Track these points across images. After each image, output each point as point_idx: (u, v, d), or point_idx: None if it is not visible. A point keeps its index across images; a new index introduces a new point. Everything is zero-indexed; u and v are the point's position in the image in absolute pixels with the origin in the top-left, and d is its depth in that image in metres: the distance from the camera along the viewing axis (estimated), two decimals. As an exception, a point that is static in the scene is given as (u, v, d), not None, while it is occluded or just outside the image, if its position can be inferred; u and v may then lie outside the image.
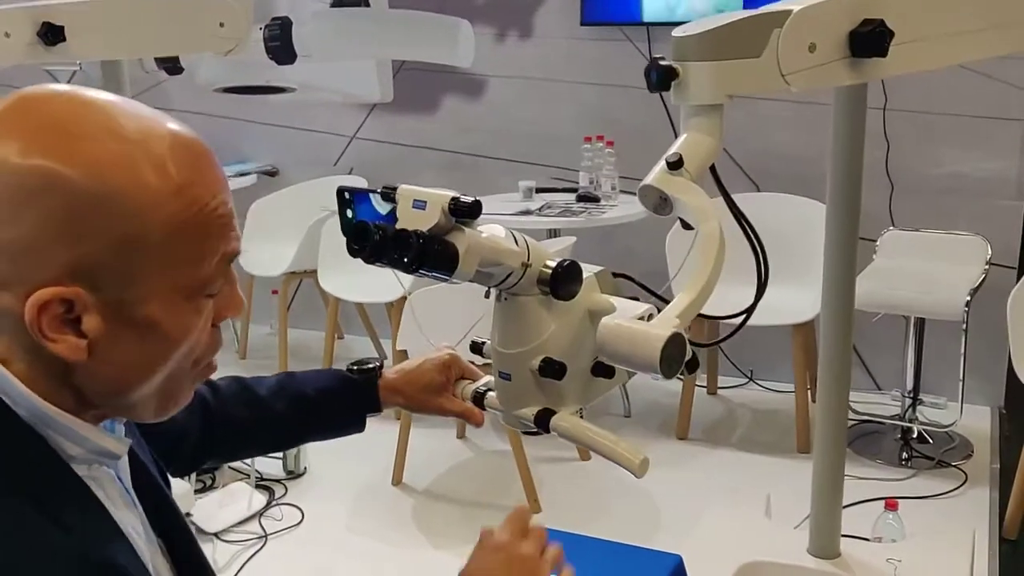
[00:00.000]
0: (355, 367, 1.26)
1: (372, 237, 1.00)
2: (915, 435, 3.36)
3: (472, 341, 1.24)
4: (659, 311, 1.13)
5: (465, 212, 1.01)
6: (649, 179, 1.18)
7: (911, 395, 3.38)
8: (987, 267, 3.21)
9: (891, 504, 2.43)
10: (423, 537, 2.93)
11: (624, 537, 1.99)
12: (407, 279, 3.83)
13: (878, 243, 3.38)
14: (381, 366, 1.26)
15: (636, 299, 1.20)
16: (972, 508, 2.93)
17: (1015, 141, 3.48)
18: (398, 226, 1.03)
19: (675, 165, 1.16)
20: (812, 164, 3.58)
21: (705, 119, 1.21)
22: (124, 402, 0.81)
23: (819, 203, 3.40)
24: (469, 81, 4.24)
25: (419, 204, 1.03)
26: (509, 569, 1.01)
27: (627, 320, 1.07)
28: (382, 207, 1.18)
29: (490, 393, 1.23)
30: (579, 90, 4.04)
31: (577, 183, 3.82)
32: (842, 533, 2.29)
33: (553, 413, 1.13)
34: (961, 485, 3.04)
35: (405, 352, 3.40)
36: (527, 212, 3.58)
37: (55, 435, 0.77)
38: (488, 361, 1.25)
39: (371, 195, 1.18)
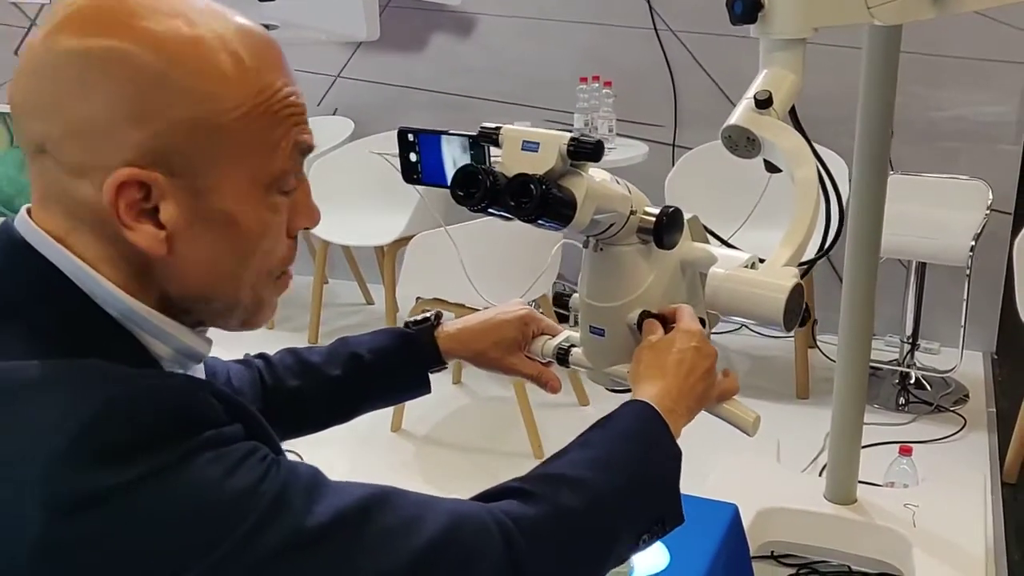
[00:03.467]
0: (411, 322, 1.19)
1: (483, 183, 0.93)
2: (912, 380, 3.37)
3: (556, 292, 1.18)
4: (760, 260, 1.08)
5: (587, 154, 0.94)
6: (736, 118, 1.12)
7: (910, 340, 3.38)
8: (988, 212, 3.20)
9: (905, 450, 2.43)
10: (424, 483, 2.89)
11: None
12: (403, 222, 3.69)
13: (879, 188, 3.35)
14: (439, 317, 1.19)
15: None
16: (973, 452, 2.94)
17: (1016, 84, 3.46)
18: (502, 170, 0.96)
19: (765, 103, 1.10)
20: (810, 107, 3.54)
21: (788, 54, 1.15)
22: (209, 308, 0.79)
23: (822, 147, 3.39)
24: (459, 19, 4.12)
25: (530, 146, 0.96)
26: (696, 358, 1.01)
27: (741, 271, 1.01)
28: (453, 149, 1.11)
29: (575, 349, 1.17)
30: (573, 29, 3.94)
31: (572, 125, 3.74)
32: (855, 479, 2.30)
33: None
34: (960, 429, 3.06)
35: (395, 301, 3.34)
36: (524, 154, 3.50)
37: (145, 335, 0.76)
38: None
39: (442, 136, 1.11)
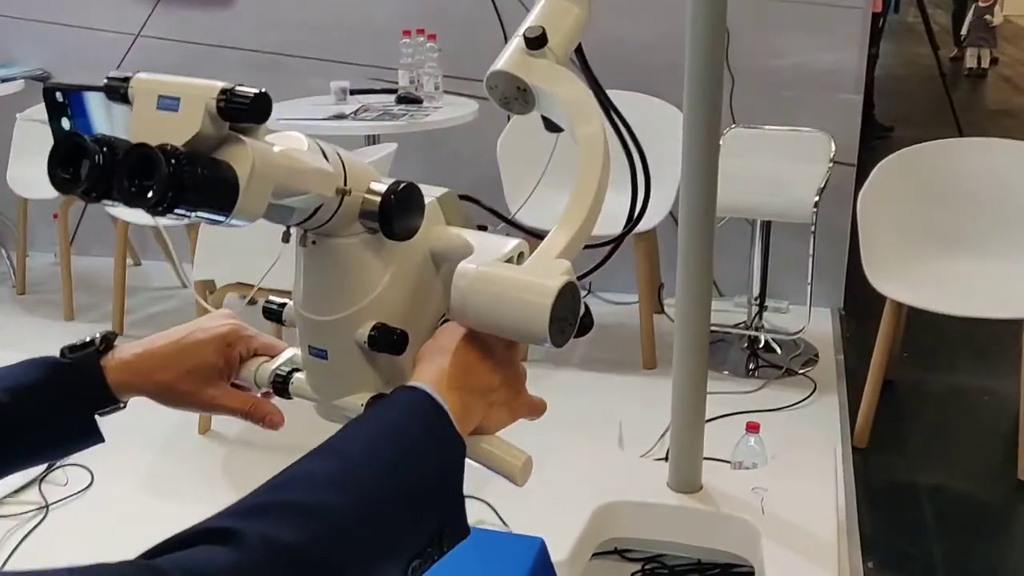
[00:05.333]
0: (67, 348, 0.86)
1: (92, 158, 0.63)
2: (761, 344, 3.23)
3: (264, 306, 0.89)
4: (530, 248, 0.81)
5: (245, 112, 0.65)
6: (501, 63, 0.86)
7: (757, 302, 3.23)
8: (831, 165, 3.06)
9: (752, 427, 2.25)
10: (236, 491, 2.55)
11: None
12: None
13: (720, 142, 3.17)
14: (107, 340, 0.87)
15: (484, 228, 0.88)
16: (824, 417, 2.81)
17: (855, 30, 3.33)
18: (135, 139, 0.65)
19: (536, 42, 0.83)
20: (641, 54, 3.33)
21: (569, -22, 0.88)
22: None
23: (656, 99, 3.19)
24: (269, -32, 3.74)
25: (168, 103, 0.66)
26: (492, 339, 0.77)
27: (495, 268, 0.75)
28: (112, 112, 0.80)
29: (298, 375, 0.88)
30: (394, -22, 3.62)
31: (396, 83, 3.43)
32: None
33: None
34: (811, 394, 2.93)
35: (213, 283, 2.97)
36: (341, 116, 3.18)
37: None
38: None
39: (85, 94, 0.80)
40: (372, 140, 3.28)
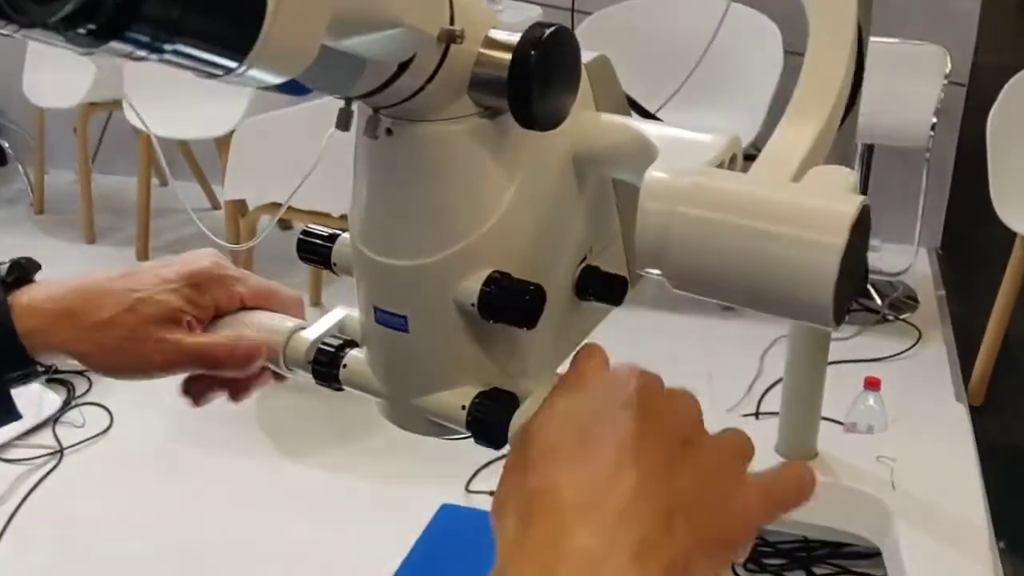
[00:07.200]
0: None
1: None
2: (854, 284, 2.89)
3: (300, 239, 0.57)
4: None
5: None
6: None
7: (852, 238, 2.89)
8: (946, 83, 2.69)
9: (872, 383, 1.93)
10: (271, 443, 2.30)
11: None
12: (242, 107, 2.82)
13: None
14: (20, 268, 0.59)
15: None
16: (932, 370, 2.49)
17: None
18: None
19: None
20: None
21: None
22: None
23: (748, 8, 2.82)
24: None
25: None
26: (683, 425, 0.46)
27: (717, 178, 0.43)
28: None
29: (354, 353, 0.55)
30: None
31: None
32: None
33: (515, 401, 0.49)
34: (915, 343, 2.59)
35: (244, 204, 2.67)
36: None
37: None
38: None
39: None
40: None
